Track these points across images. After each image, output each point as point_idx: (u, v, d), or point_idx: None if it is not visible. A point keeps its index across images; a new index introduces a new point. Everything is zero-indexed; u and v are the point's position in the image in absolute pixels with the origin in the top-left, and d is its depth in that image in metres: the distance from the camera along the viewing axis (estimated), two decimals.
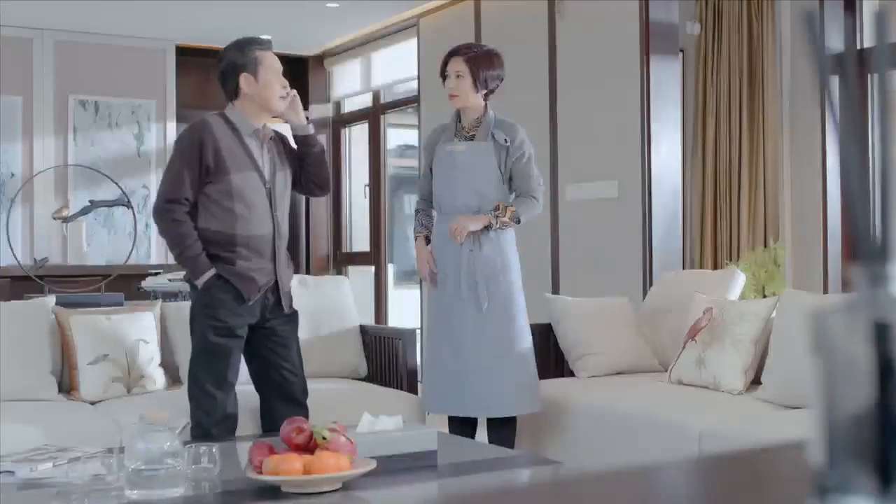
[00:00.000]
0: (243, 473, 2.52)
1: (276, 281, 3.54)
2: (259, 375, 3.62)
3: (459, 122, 3.87)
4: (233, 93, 3.52)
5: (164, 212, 3.42)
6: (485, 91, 3.82)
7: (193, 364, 3.49)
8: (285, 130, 3.71)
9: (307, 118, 3.71)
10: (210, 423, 3.42)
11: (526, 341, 3.82)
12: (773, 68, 5.68)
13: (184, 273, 3.57)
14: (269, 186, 3.51)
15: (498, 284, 3.75)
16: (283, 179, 3.59)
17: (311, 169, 3.66)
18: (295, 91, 3.60)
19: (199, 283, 3.41)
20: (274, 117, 3.61)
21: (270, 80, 3.50)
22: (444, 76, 3.86)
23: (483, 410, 3.76)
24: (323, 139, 8.87)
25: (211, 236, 3.44)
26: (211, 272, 3.41)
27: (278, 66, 3.54)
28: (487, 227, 3.73)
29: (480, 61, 3.80)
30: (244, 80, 3.49)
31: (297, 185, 3.70)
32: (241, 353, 3.54)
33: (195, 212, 3.45)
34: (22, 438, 3.23)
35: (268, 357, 3.58)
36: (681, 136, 5.66)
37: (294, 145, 3.69)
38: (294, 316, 3.64)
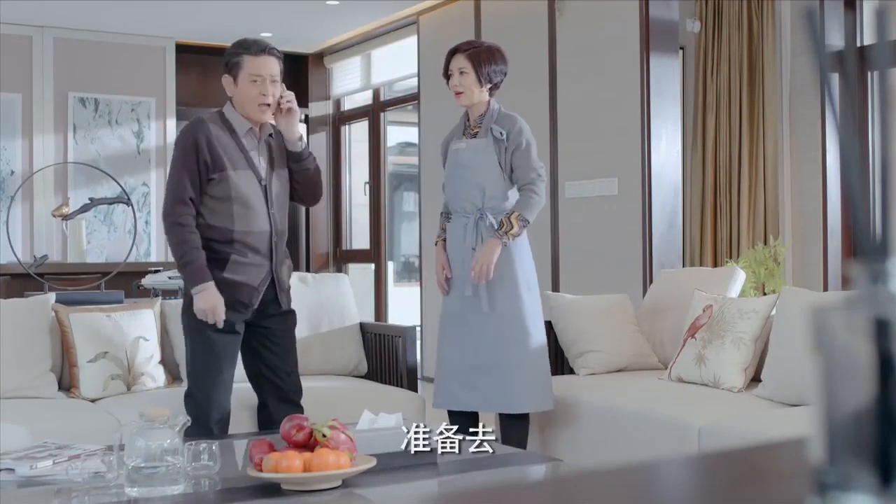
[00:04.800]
0: (243, 471, 2.52)
1: (273, 278, 3.52)
2: (254, 374, 3.60)
3: (468, 120, 3.87)
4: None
5: (169, 215, 3.41)
6: (489, 86, 3.81)
7: (195, 363, 3.46)
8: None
9: (300, 136, 3.60)
10: (210, 421, 3.41)
11: (539, 338, 3.80)
12: (773, 66, 5.68)
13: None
14: (266, 184, 3.48)
15: (506, 282, 3.72)
16: (281, 178, 3.55)
17: (299, 187, 3.62)
18: (291, 103, 3.49)
19: (195, 292, 3.37)
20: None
21: (246, 87, 3.43)
22: (447, 75, 3.84)
23: (497, 406, 3.75)
24: (323, 136, 8.90)
25: (208, 233, 3.42)
26: (208, 284, 3.36)
27: (260, 73, 3.43)
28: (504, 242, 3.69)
29: (482, 56, 3.79)
30: (225, 81, 3.49)
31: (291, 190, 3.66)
32: (239, 350, 3.54)
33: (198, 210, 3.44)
34: (22, 436, 3.23)
35: (263, 355, 3.56)
36: (681, 134, 5.66)
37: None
38: (292, 315, 3.61)
